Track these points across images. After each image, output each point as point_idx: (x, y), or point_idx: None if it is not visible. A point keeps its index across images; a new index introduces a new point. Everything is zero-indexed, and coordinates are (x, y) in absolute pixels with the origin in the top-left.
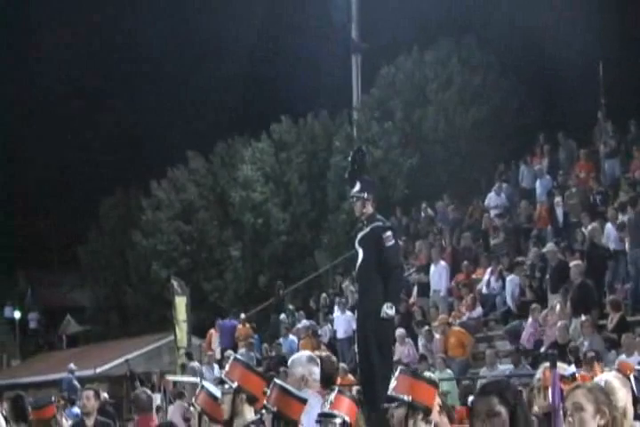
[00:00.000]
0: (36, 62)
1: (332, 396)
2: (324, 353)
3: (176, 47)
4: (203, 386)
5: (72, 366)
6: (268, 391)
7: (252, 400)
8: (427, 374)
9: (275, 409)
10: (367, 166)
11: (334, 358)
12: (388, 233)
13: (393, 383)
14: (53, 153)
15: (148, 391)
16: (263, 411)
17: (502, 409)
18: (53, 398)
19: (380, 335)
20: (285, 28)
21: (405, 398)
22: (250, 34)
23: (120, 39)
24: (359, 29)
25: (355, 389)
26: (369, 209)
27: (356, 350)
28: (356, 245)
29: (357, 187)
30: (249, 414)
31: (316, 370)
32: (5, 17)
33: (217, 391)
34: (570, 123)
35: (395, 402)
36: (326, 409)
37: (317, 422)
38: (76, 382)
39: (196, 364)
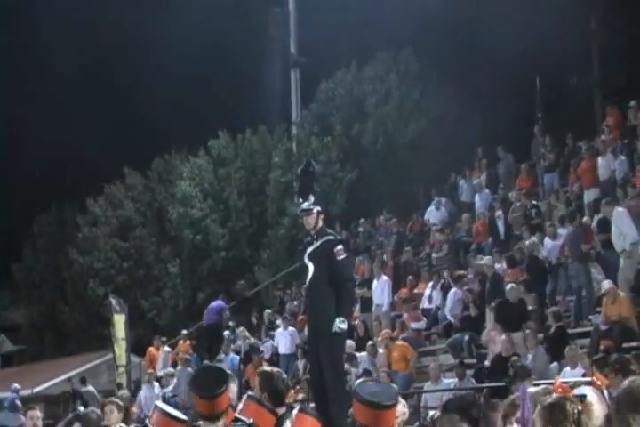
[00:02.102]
0: None
1: (294, 414)
2: (275, 369)
3: (114, 62)
4: (156, 406)
5: (16, 385)
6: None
7: None
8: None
9: None
10: (317, 179)
11: (284, 375)
12: (340, 247)
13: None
14: None
15: (98, 411)
16: None
17: (465, 426)
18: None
19: (332, 350)
20: (224, 42)
21: None
22: (188, 48)
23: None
24: (297, 44)
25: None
26: (320, 223)
27: (308, 365)
28: (306, 259)
29: (311, 200)
30: None
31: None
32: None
33: (172, 410)
34: (508, 136)
35: None
36: None
37: None
38: (18, 402)
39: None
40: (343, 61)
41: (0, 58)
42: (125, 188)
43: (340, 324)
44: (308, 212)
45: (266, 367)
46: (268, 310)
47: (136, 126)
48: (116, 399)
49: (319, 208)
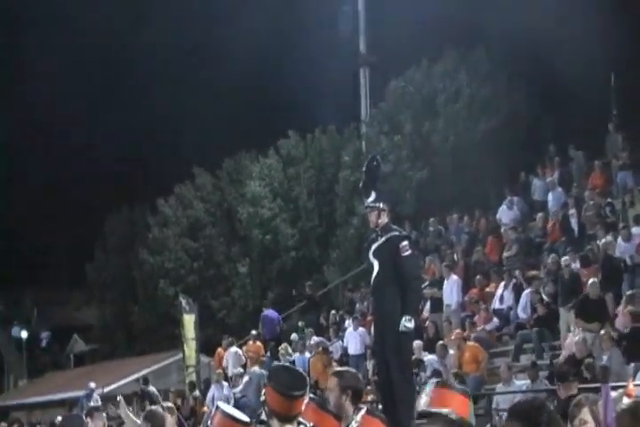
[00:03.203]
0: (36, 75)
1: (359, 416)
2: (348, 369)
3: (182, 63)
4: (218, 407)
5: (92, 384)
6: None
7: None
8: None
9: None
10: (381, 176)
11: (359, 374)
12: (405, 243)
13: (425, 398)
14: (58, 170)
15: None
16: None
17: None
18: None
19: (399, 350)
20: (292, 41)
21: (444, 411)
22: (256, 49)
23: (125, 54)
24: (367, 42)
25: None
26: (384, 219)
27: (375, 365)
28: (371, 256)
29: (372, 197)
30: None
31: None
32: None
33: (233, 411)
34: (581, 134)
35: (428, 417)
36: None
37: None
38: (99, 402)
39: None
40: (413, 59)
41: (65, 49)
42: (195, 188)
43: (407, 322)
44: (370, 208)
45: (342, 368)
46: (333, 311)
47: (206, 127)
48: (168, 404)
49: (381, 205)
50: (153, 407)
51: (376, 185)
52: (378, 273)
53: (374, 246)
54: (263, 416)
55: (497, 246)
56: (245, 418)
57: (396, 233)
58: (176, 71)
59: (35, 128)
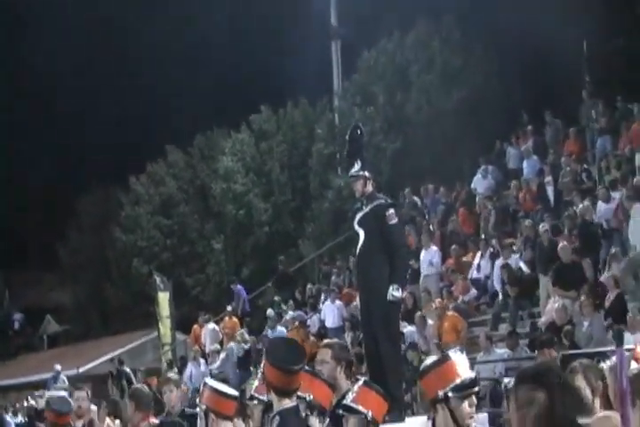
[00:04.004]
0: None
1: (356, 387)
2: (338, 340)
3: (151, 39)
4: (206, 383)
5: (58, 366)
6: None
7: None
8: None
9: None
10: (365, 144)
11: (347, 345)
12: (392, 211)
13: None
14: (26, 148)
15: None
16: None
17: (540, 395)
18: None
19: (387, 320)
20: (262, 15)
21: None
22: (228, 23)
23: (100, 33)
24: (338, 14)
25: None
26: (369, 188)
27: (362, 337)
28: (356, 226)
29: (358, 166)
30: None
31: None
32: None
33: (222, 387)
34: (555, 102)
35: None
36: (349, 402)
37: (337, 415)
38: (66, 382)
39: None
40: (384, 30)
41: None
42: (167, 165)
43: (395, 291)
44: (355, 177)
45: (332, 340)
46: (309, 285)
47: (177, 103)
48: (173, 376)
49: (367, 174)
50: (138, 386)
51: (361, 154)
52: (364, 242)
53: (359, 216)
54: (252, 391)
55: (469, 218)
56: (234, 392)
57: (382, 201)
58: (147, 47)
59: (9, 110)
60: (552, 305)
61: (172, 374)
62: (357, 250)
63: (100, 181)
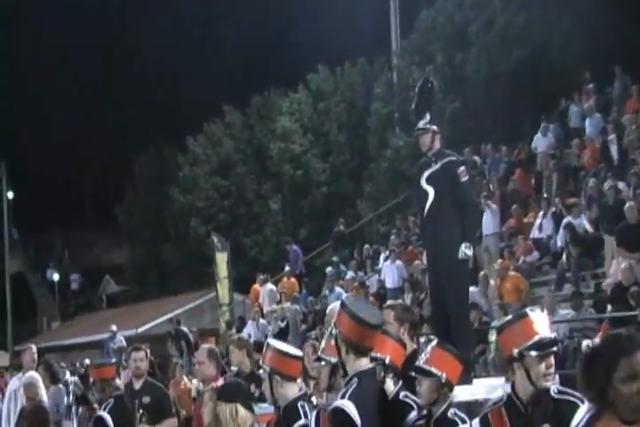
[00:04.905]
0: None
1: (429, 348)
2: (401, 302)
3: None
4: (268, 344)
5: (114, 327)
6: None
7: None
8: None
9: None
10: (435, 98)
11: (409, 306)
12: (463, 168)
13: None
14: (84, 110)
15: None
16: None
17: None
18: (114, 360)
19: (457, 279)
20: None
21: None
22: None
23: None
24: None
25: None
26: (437, 144)
27: (430, 297)
28: (424, 183)
29: (427, 118)
30: None
31: None
32: None
33: (286, 347)
34: (616, 60)
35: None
36: (422, 363)
37: (410, 377)
38: (123, 342)
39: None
40: None
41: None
42: (225, 125)
43: (466, 249)
44: (423, 131)
45: (395, 301)
46: (367, 246)
47: (235, 63)
48: (235, 337)
49: (435, 128)
50: (212, 346)
51: (431, 107)
52: (434, 200)
53: (428, 173)
54: (320, 352)
55: (526, 177)
56: (299, 352)
57: (453, 158)
58: (203, 10)
59: (59, 70)
60: (617, 266)
61: (233, 333)
62: (426, 208)
63: (158, 141)
